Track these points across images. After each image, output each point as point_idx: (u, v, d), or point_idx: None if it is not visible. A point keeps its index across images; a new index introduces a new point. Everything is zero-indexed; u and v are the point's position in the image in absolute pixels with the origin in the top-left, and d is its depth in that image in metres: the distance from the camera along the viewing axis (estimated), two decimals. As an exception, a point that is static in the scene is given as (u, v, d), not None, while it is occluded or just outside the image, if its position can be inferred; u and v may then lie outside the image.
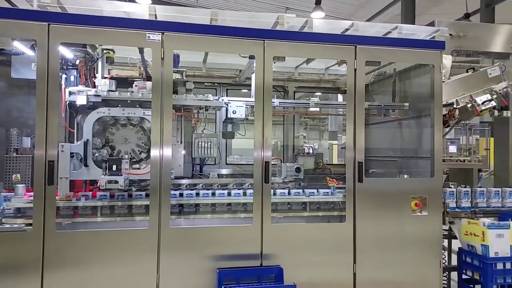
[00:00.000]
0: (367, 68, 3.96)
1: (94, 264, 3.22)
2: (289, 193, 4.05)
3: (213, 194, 3.96)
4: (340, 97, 5.94)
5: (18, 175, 3.66)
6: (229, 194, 3.94)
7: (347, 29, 3.97)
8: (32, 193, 3.20)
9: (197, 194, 3.90)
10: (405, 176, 4.52)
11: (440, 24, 4.37)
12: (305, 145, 5.94)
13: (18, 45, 3.43)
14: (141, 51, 3.80)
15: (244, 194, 3.92)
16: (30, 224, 3.21)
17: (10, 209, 3.46)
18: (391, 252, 3.78)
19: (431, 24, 4.51)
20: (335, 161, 11.62)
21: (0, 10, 3.13)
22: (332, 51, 3.79)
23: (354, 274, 3.71)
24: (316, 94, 6.51)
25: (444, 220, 4.14)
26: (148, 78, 4.12)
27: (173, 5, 11.33)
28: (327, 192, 4.12)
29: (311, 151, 5.56)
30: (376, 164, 5.13)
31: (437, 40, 3.96)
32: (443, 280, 4.21)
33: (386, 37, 3.97)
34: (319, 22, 3.94)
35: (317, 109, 5.69)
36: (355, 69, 3.75)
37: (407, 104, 4.59)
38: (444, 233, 4.55)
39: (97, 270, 3.22)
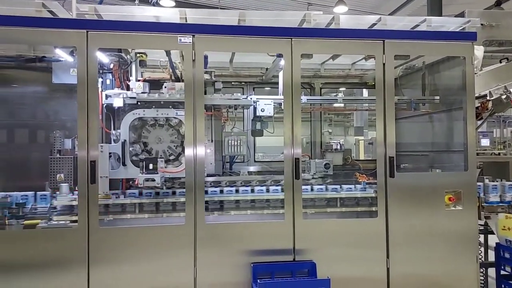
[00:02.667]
0: (395, 62, 3.94)
1: (134, 258, 3.38)
2: (319, 189, 4.09)
3: (237, 191, 4.00)
4: (365, 92, 5.90)
5: (62, 175, 3.87)
6: (267, 190, 3.99)
7: (374, 24, 3.94)
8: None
9: (237, 191, 3.98)
10: (438, 170, 4.45)
11: (470, 14, 4.28)
12: (332, 141, 5.95)
13: (59, 52, 3.63)
14: (168, 53, 3.94)
15: (277, 191, 3.97)
16: (75, 221, 3.41)
17: (55, 207, 3.69)
18: (425, 247, 3.75)
19: (460, 15, 4.42)
20: (362, 157, 11.50)
21: (43, 20, 3.34)
22: (360, 47, 3.79)
23: (388, 269, 3.71)
24: (341, 89, 6.48)
25: (479, 215, 4.07)
26: (177, 79, 4.27)
27: (196, 6, 11.59)
28: (358, 188, 4.13)
29: (339, 147, 5.57)
30: (408, 159, 5.08)
31: (467, 32, 3.88)
32: (480, 276, 4.14)
33: (415, 31, 3.93)
34: (346, 18, 3.94)
35: (342, 104, 5.68)
36: (384, 64, 3.74)
37: (437, 97, 4.52)
38: (480, 228, 4.47)
39: (137, 263, 3.38)
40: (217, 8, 11.51)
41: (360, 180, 4.35)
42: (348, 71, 5.70)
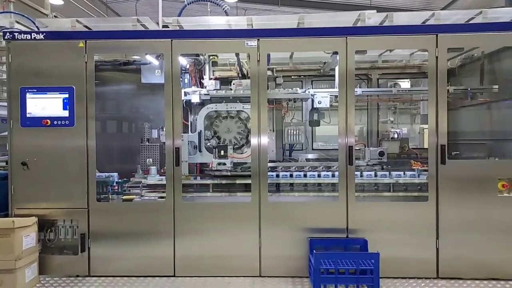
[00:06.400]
0: (449, 54, 4.07)
1: (210, 229, 4.03)
2: (369, 175, 4.41)
3: (305, 175, 4.46)
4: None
5: (151, 160, 4.70)
6: (319, 175, 4.44)
7: (427, 20, 4.12)
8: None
9: (291, 176, 4.47)
10: (496, 159, 4.51)
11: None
12: (391, 130, 6.13)
13: (149, 58, 4.40)
14: (236, 54, 4.51)
15: (333, 176, 4.38)
16: (162, 197, 4.17)
17: (146, 185, 4.50)
18: (476, 231, 3.90)
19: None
20: (426, 146, 11.21)
21: (138, 32, 4.10)
22: (412, 41, 4.02)
23: (437, 250, 3.95)
24: (400, 80, 6.57)
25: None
26: (243, 76, 4.84)
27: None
28: (412, 174, 4.37)
29: (395, 136, 5.77)
30: (465, 148, 5.15)
31: (526, 21, 3.90)
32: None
33: (468, 24, 4.04)
34: (399, 15, 4.16)
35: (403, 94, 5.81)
36: (437, 57, 3.93)
37: (496, 86, 4.55)
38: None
39: (212, 234, 4.03)
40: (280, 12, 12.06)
41: (414, 167, 4.59)
42: (407, 62, 5.83)
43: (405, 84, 5.91)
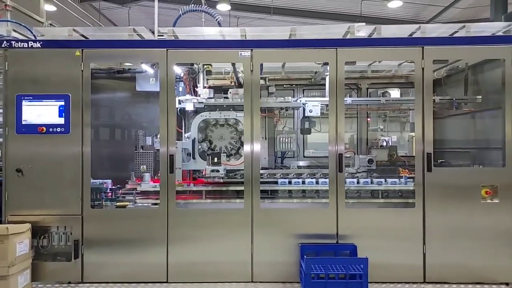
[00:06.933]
0: (434, 66, 4.23)
1: (203, 235, 4.09)
2: (351, 182, 4.50)
3: (289, 182, 4.54)
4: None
5: (145, 166, 4.76)
6: (303, 182, 4.54)
7: (414, 32, 4.30)
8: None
9: (289, 183, 4.55)
10: (481, 166, 4.68)
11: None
12: (381, 138, 6.27)
13: (145, 66, 4.49)
14: (233, 64, 4.62)
15: (317, 182, 4.48)
16: (156, 204, 4.23)
17: (139, 192, 4.54)
18: (461, 236, 4.04)
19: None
20: (414, 153, 11.43)
21: (134, 42, 4.20)
22: (400, 53, 4.20)
23: (424, 255, 4.07)
24: (389, 89, 6.74)
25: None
26: (240, 85, 4.95)
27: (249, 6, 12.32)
28: (398, 182, 4.50)
29: (384, 144, 5.94)
30: (451, 156, 5.31)
31: (507, 35, 4.09)
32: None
33: (452, 37, 4.23)
34: (387, 27, 4.32)
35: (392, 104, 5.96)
36: (423, 68, 4.09)
37: (479, 96, 4.73)
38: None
39: (205, 240, 4.09)
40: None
41: (402, 175, 4.73)
42: (395, 72, 6.01)
43: (395, 93, 6.08)
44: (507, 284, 4.05)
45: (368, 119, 6.24)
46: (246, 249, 4.11)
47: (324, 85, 5.19)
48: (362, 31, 4.24)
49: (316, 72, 5.72)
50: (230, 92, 4.64)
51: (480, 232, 4.04)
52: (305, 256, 3.76)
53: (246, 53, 4.07)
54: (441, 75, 5.43)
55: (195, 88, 4.91)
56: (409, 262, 4.09)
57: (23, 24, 4.43)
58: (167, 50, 4.07)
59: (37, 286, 4.02)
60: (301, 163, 5.88)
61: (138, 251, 4.09)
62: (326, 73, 4.84)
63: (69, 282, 4.10)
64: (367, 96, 6.07)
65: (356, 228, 4.11)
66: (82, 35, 4.39)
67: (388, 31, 4.30)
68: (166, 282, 4.09)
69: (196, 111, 4.75)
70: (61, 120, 4.04)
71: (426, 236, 4.07)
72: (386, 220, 4.13)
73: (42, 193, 4.04)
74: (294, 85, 6.13)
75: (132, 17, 14.01)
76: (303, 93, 6.16)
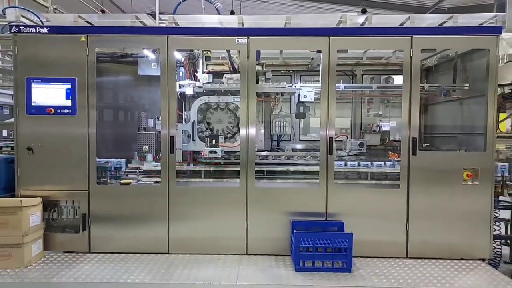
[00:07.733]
0: (422, 55, 4.40)
1: (201, 211, 4.39)
2: (339, 164, 4.73)
3: (280, 164, 4.82)
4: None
5: (147, 147, 5.03)
6: (301, 164, 4.83)
7: (404, 22, 4.48)
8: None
9: (280, 164, 4.83)
10: (465, 151, 4.91)
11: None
12: (380, 123, 6.44)
13: (146, 52, 4.71)
14: (227, 50, 4.82)
15: (306, 165, 4.74)
16: (158, 182, 4.52)
17: (142, 171, 4.83)
18: (442, 216, 4.30)
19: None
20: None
21: (136, 28, 4.41)
22: (389, 42, 4.39)
23: (407, 232, 4.36)
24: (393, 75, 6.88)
25: (502, 192, 4.55)
26: (234, 70, 5.17)
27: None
28: (384, 165, 4.75)
29: (377, 129, 6.18)
30: (440, 141, 5.55)
31: (492, 26, 4.27)
32: (498, 247, 4.62)
33: (440, 27, 4.40)
34: (378, 17, 4.50)
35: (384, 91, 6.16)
36: (411, 57, 4.29)
37: (467, 84, 4.94)
38: (506, 205, 4.93)
39: (202, 215, 4.39)
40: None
41: (391, 158, 4.99)
42: (390, 59, 6.18)
43: (399, 79, 6.20)
44: (483, 259, 4.35)
45: (369, 107, 6.47)
46: (241, 225, 4.40)
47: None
48: (354, 20, 4.42)
49: (312, 59, 5.92)
50: (225, 77, 4.86)
51: (460, 212, 4.30)
52: (295, 231, 4.06)
53: (243, 40, 4.28)
54: (432, 63, 5.63)
55: (195, 73, 5.14)
56: (393, 239, 4.37)
57: (31, 10, 4.64)
58: (167, 36, 4.28)
59: (49, 254, 4.36)
60: (298, 146, 6.14)
61: (141, 225, 4.39)
62: (320, 60, 5.04)
63: (78, 252, 4.43)
64: (361, 83, 6.28)
65: (344, 207, 4.38)
66: (87, 21, 4.60)
67: (380, 20, 4.47)
68: (167, 253, 4.41)
69: (196, 95, 4.99)
70: (68, 102, 4.29)
71: (409, 215, 4.35)
72: (372, 200, 4.39)
73: (51, 170, 4.33)
74: (291, 71, 6.34)
75: (136, 0, 14.03)
76: (300, 79, 6.37)
